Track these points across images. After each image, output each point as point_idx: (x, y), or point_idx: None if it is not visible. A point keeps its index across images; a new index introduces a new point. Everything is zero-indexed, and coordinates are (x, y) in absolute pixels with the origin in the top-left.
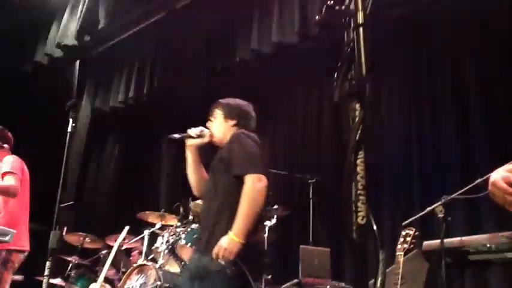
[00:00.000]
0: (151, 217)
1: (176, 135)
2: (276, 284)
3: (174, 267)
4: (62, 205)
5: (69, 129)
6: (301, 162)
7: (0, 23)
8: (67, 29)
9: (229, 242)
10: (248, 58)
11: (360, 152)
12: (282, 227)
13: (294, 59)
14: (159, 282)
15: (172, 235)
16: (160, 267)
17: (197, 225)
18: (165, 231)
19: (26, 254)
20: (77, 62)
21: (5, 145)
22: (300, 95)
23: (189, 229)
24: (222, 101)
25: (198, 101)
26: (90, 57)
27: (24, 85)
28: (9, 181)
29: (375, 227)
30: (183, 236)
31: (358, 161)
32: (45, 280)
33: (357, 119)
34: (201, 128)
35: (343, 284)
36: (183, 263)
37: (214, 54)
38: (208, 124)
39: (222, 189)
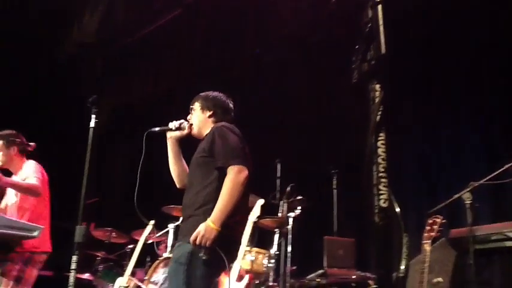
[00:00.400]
0: (176, 211)
1: (156, 128)
2: (301, 275)
3: None
4: (87, 201)
5: (91, 125)
6: (324, 152)
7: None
8: (87, 26)
9: (206, 229)
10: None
11: (381, 134)
12: (306, 217)
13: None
14: None
15: None
16: None
17: None
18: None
19: (48, 254)
20: (97, 59)
21: (22, 152)
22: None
23: None
24: (201, 94)
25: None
26: (110, 53)
27: (44, 85)
28: (32, 181)
29: (397, 210)
30: None
31: (379, 143)
32: (72, 274)
33: (377, 99)
34: (181, 120)
35: (368, 274)
36: None
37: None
38: (189, 117)
39: (202, 180)
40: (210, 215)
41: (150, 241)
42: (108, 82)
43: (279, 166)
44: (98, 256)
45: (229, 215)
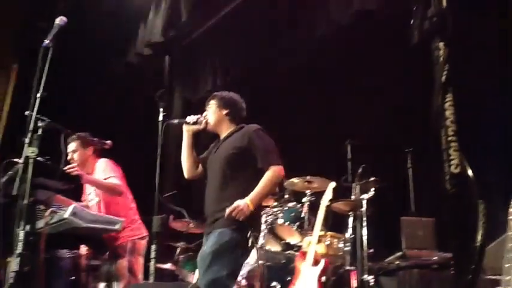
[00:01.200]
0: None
1: (175, 121)
2: (378, 258)
3: (274, 247)
4: (165, 194)
5: (160, 118)
6: (397, 131)
7: (92, 27)
8: (153, 26)
9: (244, 205)
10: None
11: (448, 95)
12: (380, 199)
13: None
14: (261, 262)
15: (270, 215)
16: (261, 247)
17: (294, 203)
18: (262, 212)
19: (147, 239)
20: (166, 57)
21: (97, 152)
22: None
23: (285, 208)
24: (216, 93)
25: (291, 80)
26: (177, 51)
27: (117, 86)
28: (113, 180)
29: (471, 175)
30: (280, 215)
31: (447, 104)
32: (152, 262)
33: (441, 58)
34: (198, 116)
35: (450, 255)
36: (283, 242)
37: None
38: (204, 113)
39: (230, 176)
40: None
41: None
42: (177, 78)
43: (349, 148)
44: (178, 247)
45: (262, 202)
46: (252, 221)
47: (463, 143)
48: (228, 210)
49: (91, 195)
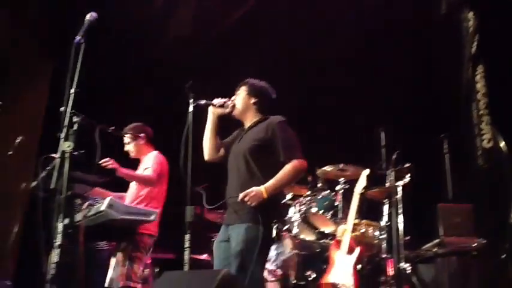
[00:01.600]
0: (296, 189)
1: (202, 101)
2: (415, 246)
3: (308, 236)
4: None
5: (190, 109)
6: (432, 115)
7: (122, 22)
8: (182, 21)
9: (258, 191)
10: None
11: (479, 66)
12: (416, 186)
13: None
14: (295, 251)
15: (303, 204)
16: (295, 236)
17: (327, 191)
18: (296, 201)
19: (154, 238)
20: (195, 50)
21: (149, 142)
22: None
23: (319, 196)
24: (248, 80)
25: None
26: (207, 43)
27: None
28: (148, 172)
29: (505, 149)
30: (314, 204)
31: (478, 77)
32: (186, 252)
33: (470, 29)
34: (225, 99)
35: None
36: (317, 230)
37: None
38: (233, 97)
39: (253, 168)
40: (261, 206)
41: None
42: (208, 70)
43: (382, 134)
44: (213, 238)
45: (278, 192)
46: (275, 213)
47: (496, 117)
48: (241, 195)
49: (131, 184)
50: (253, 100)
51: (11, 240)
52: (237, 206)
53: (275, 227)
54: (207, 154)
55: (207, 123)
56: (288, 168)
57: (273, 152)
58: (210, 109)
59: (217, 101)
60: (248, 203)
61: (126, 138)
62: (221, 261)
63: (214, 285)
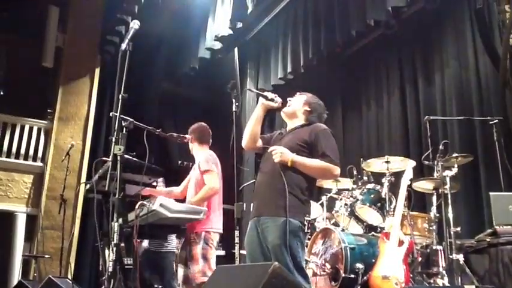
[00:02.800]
0: (326, 183)
1: (254, 90)
2: (467, 236)
3: (356, 229)
4: (244, 185)
5: (233, 109)
6: (479, 104)
7: (164, 29)
8: (220, 20)
9: (287, 153)
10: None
11: None
12: (465, 175)
13: None
14: (343, 245)
15: (349, 198)
16: (342, 230)
17: (373, 184)
18: (342, 195)
19: (220, 234)
20: (235, 50)
21: (202, 140)
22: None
23: (365, 189)
24: (310, 94)
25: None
26: (246, 42)
27: (194, 81)
28: (209, 181)
29: None
30: (360, 197)
31: None
32: (237, 247)
33: (507, 21)
34: (276, 95)
35: None
36: (364, 223)
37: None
38: (290, 98)
39: (292, 167)
40: (295, 197)
41: None
42: (248, 69)
43: (428, 124)
44: None
45: (304, 177)
46: (307, 207)
47: None
48: (271, 148)
49: (191, 182)
50: (307, 108)
51: (70, 241)
52: (268, 199)
53: (307, 220)
54: (245, 141)
55: (254, 112)
56: (321, 162)
57: (312, 156)
58: (260, 99)
59: (268, 93)
60: (273, 154)
61: (189, 137)
62: (255, 254)
63: (266, 277)
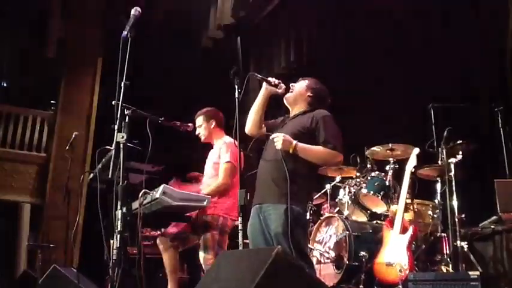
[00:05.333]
0: (330, 171)
1: (258, 76)
2: (471, 224)
3: (360, 217)
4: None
5: (236, 95)
6: (482, 91)
7: (168, 17)
8: (223, 9)
9: (290, 140)
10: None
11: None
12: (470, 162)
13: None
14: (347, 232)
15: (353, 186)
16: (346, 218)
17: (377, 172)
18: (345, 183)
19: (235, 222)
20: (238, 39)
21: (218, 125)
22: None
23: (369, 177)
24: (312, 79)
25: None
26: (249, 31)
27: (197, 70)
28: (226, 175)
29: None
30: (364, 185)
31: None
32: (240, 234)
33: None
34: (280, 81)
35: None
36: (368, 211)
37: None
38: (293, 84)
39: (293, 154)
40: (297, 185)
41: None
42: (251, 58)
43: (432, 111)
44: None
45: (306, 164)
46: (308, 194)
47: None
48: (273, 135)
49: (207, 170)
50: (309, 93)
51: (75, 231)
52: (270, 186)
53: (309, 208)
54: (248, 127)
55: (258, 97)
56: (323, 149)
57: (313, 142)
58: (264, 85)
59: (272, 80)
60: (275, 141)
61: (198, 121)
62: (257, 241)
63: (270, 261)
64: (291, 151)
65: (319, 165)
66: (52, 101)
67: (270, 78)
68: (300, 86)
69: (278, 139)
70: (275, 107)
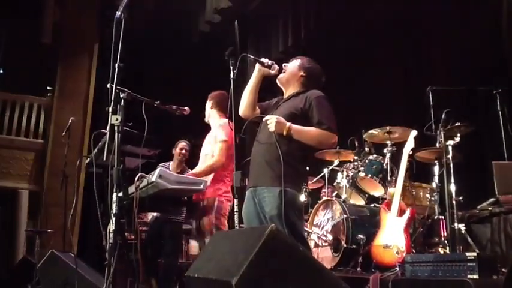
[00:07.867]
0: (328, 155)
1: (251, 56)
2: (469, 206)
3: (358, 200)
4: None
5: (231, 76)
6: (481, 73)
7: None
8: None
9: (284, 122)
10: None
11: None
12: (468, 145)
13: None
14: (345, 215)
15: (351, 169)
16: (344, 201)
17: (375, 155)
18: (343, 167)
19: (231, 203)
20: (235, 23)
21: (216, 107)
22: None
23: (366, 161)
24: (305, 57)
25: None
26: (246, 15)
27: (195, 54)
28: (221, 153)
29: None
30: (361, 168)
31: None
32: (236, 216)
33: None
34: (273, 62)
35: None
36: (366, 195)
37: None
38: (285, 64)
39: (287, 135)
40: (292, 167)
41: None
42: (248, 42)
43: (431, 94)
44: None
45: (300, 146)
46: (303, 176)
47: None
48: (267, 117)
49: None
50: (302, 73)
51: (72, 216)
52: (264, 169)
53: (304, 190)
54: (242, 109)
55: (251, 79)
56: (317, 130)
57: (307, 124)
58: (257, 66)
59: (265, 60)
60: (268, 123)
61: (208, 103)
62: (253, 224)
63: (263, 239)
64: (284, 133)
65: (314, 146)
66: (48, 87)
67: (263, 59)
68: (293, 65)
69: (271, 121)
70: (270, 91)
